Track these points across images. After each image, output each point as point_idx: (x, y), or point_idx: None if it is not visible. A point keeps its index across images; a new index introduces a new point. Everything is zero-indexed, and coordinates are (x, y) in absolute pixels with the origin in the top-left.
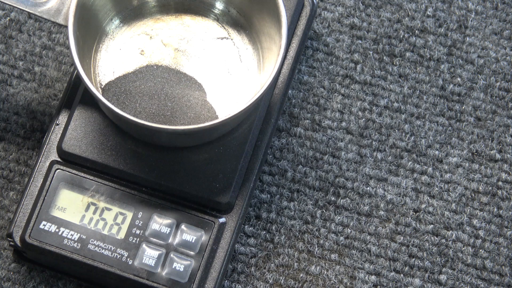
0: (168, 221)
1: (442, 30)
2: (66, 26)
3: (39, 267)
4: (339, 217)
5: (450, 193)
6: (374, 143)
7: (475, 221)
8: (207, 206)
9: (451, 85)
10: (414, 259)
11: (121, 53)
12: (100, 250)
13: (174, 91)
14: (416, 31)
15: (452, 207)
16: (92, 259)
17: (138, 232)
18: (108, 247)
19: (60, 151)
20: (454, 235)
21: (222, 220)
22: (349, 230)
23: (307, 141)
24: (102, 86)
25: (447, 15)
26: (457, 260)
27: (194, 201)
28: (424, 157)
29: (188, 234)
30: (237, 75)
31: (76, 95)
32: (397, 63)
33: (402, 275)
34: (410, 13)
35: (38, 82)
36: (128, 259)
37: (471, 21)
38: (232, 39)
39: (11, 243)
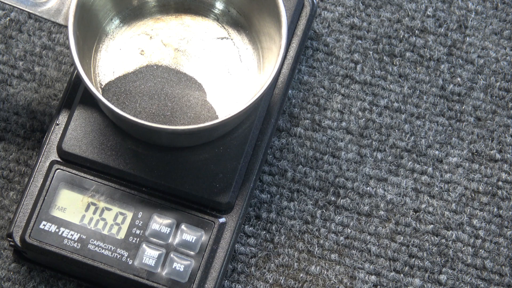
0: (168, 221)
1: (442, 30)
2: (66, 26)
3: (39, 267)
4: (339, 217)
5: (450, 193)
6: (374, 143)
7: (475, 221)
8: (207, 206)
9: (451, 85)
10: (414, 259)
11: (121, 53)
12: (100, 250)
13: (174, 91)
14: (416, 31)
15: (452, 207)
16: (92, 259)
17: (138, 232)
18: (108, 247)
19: (60, 151)
20: (454, 235)
21: (222, 220)
22: (349, 230)
23: (307, 141)
24: (102, 86)
25: (447, 15)
26: (457, 260)
27: (194, 201)
28: (424, 157)
29: (188, 234)
30: (237, 75)
31: (76, 95)
32: (397, 63)
33: (402, 275)
34: (410, 13)
35: (38, 82)
36: (128, 259)
37: (471, 21)
38: (232, 39)
39: (11, 243)
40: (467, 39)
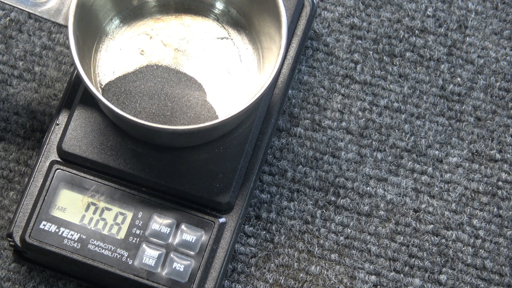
0: (168, 221)
1: (442, 30)
2: (66, 26)
3: (39, 267)
4: (339, 217)
5: (450, 193)
6: (374, 143)
7: (475, 221)
8: (207, 206)
9: (451, 85)
10: (414, 259)
11: (121, 53)
12: (100, 250)
13: (174, 91)
14: (416, 31)
15: (452, 207)
16: (92, 259)
17: (138, 232)
18: (108, 247)
19: (60, 151)
20: (454, 235)
21: (222, 220)
22: (349, 230)
23: (307, 141)
24: (102, 86)
25: (447, 15)
26: (457, 260)
27: (194, 201)
28: (424, 157)
29: (188, 234)
30: (237, 75)
31: (76, 95)
32: (397, 63)
33: (402, 275)
34: (410, 13)
35: (38, 82)
36: (128, 259)
37: (471, 21)
38: (232, 39)
39: (11, 243)
40: (467, 39)
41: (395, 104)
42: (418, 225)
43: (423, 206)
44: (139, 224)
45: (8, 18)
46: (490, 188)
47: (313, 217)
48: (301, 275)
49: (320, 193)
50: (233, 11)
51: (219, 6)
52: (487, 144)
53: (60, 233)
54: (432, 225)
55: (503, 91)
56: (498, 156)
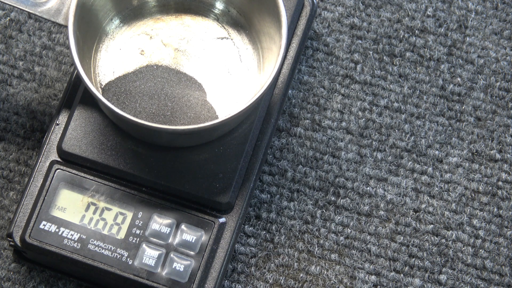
0: (168, 221)
1: (442, 30)
2: (66, 26)
3: (39, 267)
4: (339, 217)
5: (450, 193)
6: (374, 143)
7: (475, 221)
8: (207, 206)
9: (451, 85)
10: (414, 259)
11: (121, 53)
12: (100, 250)
13: (174, 91)
14: (416, 31)
15: (452, 207)
16: (92, 259)
17: (138, 232)
18: (108, 247)
19: (60, 151)
20: (454, 235)
21: (222, 220)
22: (349, 230)
23: (307, 141)
24: (102, 86)
25: (447, 15)
26: (457, 260)
27: (194, 201)
28: (424, 157)
29: (188, 234)
30: (237, 75)
31: (76, 95)
32: (397, 63)
33: (402, 275)
34: (410, 13)
35: (38, 82)
36: (128, 259)
37: (471, 21)
38: (232, 39)
39: (11, 243)
40: (467, 39)
41: (395, 104)
42: (418, 225)
43: (423, 206)
44: (139, 224)
45: (8, 18)
46: (490, 188)
47: (313, 217)
48: (301, 275)
49: (320, 193)
50: (233, 11)
51: (219, 6)
52: (487, 144)
53: (60, 233)
54: (432, 225)
55: (503, 91)
56: (498, 156)
